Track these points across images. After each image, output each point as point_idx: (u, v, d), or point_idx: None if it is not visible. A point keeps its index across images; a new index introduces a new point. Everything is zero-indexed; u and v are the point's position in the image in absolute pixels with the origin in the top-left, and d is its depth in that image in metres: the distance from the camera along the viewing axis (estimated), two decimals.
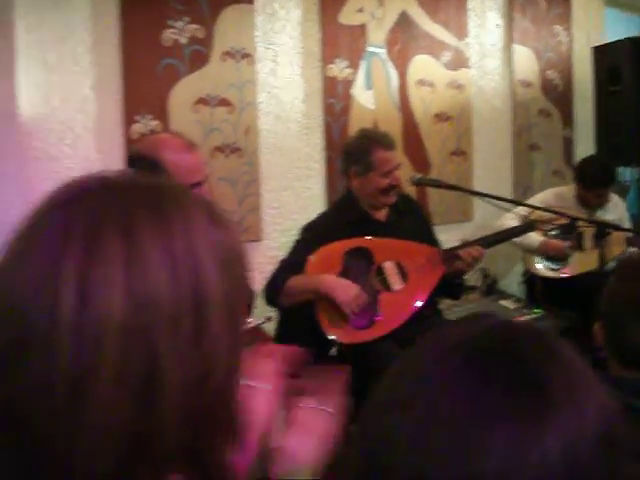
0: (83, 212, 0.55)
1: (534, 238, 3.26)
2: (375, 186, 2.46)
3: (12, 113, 2.43)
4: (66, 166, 2.61)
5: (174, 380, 0.52)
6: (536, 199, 3.42)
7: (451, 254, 2.48)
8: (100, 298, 0.50)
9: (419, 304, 2.43)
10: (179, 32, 2.81)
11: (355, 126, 3.28)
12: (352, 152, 2.52)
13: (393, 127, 3.46)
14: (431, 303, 2.59)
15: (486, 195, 2.56)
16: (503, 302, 3.48)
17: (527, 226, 2.78)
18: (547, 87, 4.32)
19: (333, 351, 2.42)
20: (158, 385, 0.52)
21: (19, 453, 0.51)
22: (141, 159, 1.93)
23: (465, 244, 2.53)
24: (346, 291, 2.24)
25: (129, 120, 2.71)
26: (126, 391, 0.51)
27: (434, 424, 0.49)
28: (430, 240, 2.60)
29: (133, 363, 0.51)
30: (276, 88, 3.11)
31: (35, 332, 0.50)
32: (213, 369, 0.55)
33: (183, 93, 2.82)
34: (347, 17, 3.36)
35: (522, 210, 2.98)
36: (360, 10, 3.42)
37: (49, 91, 2.58)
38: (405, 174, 2.75)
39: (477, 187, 3.86)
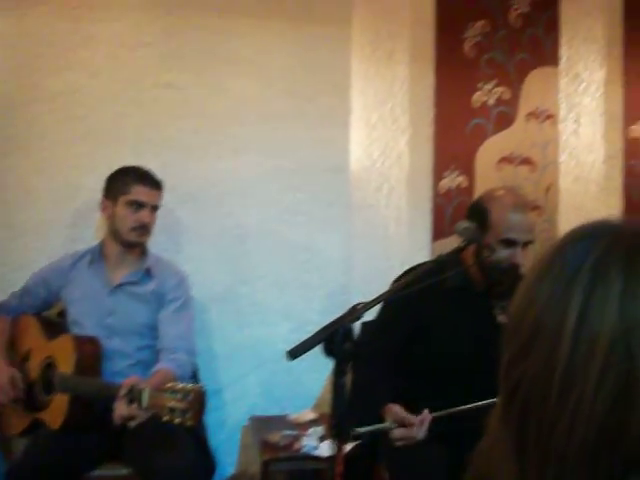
0: (595, 248, 0.68)
1: None
2: None
3: (344, 166, 2.72)
4: (381, 214, 2.84)
5: None
6: None
7: None
8: (597, 317, 0.63)
9: None
10: (487, 94, 2.96)
11: None
12: None
13: None
14: None
15: None
16: None
17: None
18: None
19: None
20: (632, 393, 0.61)
21: (516, 422, 0.68)
22: (476, 205, 2.08)
23: None
24: None
25: (438, 175, 2.89)
26: (605, 392, 0.62)
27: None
28: None
29: (615, 372, 0.62)
30: (577, 149, 3.11)
31: (545, 332, 0.66)
32: None
33: (489, 151, 2.94)
34: None
35: None
36: None
37: (370, 146, 2.85)
38: None
39: None
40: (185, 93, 2.71)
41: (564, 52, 3.12)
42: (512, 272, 1.95)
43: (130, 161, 2.44)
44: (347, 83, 2.79)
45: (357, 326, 1.64)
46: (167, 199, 2.52)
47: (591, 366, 0.63)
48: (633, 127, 3.21)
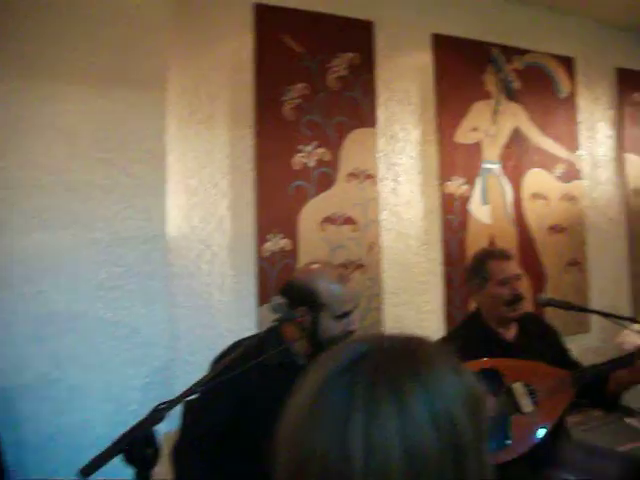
0: (362, 374, 0.69)
1: None
2: (495, 297, 2.48)
3: (161, 235, 2.64)
4: (203, 282, 2.78)
5: None
6: None
7: (583, 376, 2.44)
8: (382, 451, 0.65)
9: (547, 427, 2.38)
10: (308, 156, 3.00)
11: (472, 241, 3.35)
12: (470, 267, 2.59)
13: (509, 241, 3.49)
14: (560, 424, 2.52)
15: (619, 317, 2.51)
16: (628, 420, 3.33)
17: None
18: None
19: None
20: None
21: None
22: (298, 287, 2.03)
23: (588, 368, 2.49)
24: None
25: (261, 238, 2.88)
26: None
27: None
28: (563, 362, 2.56)
29: None
30: (397, 206, 3.24)
31: (334, 477, 0.65)
32: None
33: (311, 212, 2.98)
34: (463, 136, 3.49)
35: None
36: (474, 129, 3.54)
37: (190, 212, 2.79)
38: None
39: (594, 298, 3.81)
40: None
41: (381, 113, 3.25)
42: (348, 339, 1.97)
43: None
44: (163, 149, 2.71)
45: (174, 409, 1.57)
46: None
47: None
48: (448, 183, 3.38)
